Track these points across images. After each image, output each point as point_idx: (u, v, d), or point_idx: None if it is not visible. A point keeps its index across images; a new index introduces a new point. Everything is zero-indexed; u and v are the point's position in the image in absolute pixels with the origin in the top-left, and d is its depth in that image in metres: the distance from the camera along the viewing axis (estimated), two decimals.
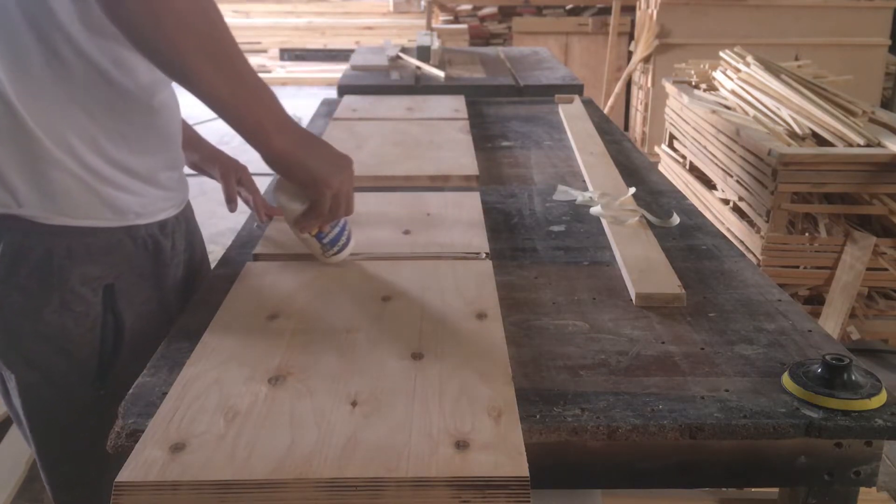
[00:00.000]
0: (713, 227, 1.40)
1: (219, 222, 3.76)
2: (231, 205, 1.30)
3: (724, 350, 0.96)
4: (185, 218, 1.17)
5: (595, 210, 1.44)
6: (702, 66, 3.55)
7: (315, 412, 0.77)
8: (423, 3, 7.82)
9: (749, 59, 3.16)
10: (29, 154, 0.95)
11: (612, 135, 2.06)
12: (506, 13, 6.75)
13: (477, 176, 1.61)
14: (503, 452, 0.70)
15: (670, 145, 3.72)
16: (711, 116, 3.03)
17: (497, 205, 1.50)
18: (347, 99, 2.34)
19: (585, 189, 1.58)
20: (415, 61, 3.01)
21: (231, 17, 8.54)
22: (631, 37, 5.46)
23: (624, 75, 5.09)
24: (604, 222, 1.38)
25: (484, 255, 1.18)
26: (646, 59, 4.76)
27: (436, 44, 3.14)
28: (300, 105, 5.77)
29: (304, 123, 1.61)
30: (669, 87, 3.63)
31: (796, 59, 4.08)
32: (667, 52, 4.63)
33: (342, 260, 1.13)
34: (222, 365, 0.86)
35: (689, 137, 3.36)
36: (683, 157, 3.51)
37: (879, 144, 2.54)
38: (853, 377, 0.84)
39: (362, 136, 1.88)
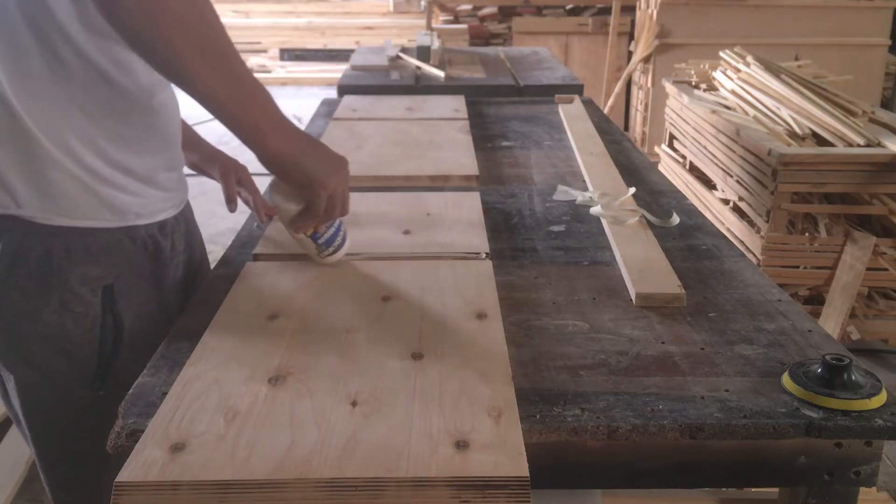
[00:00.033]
0: (713, 227, 1.40)
1: (219, 222, 3.76)
2: (231, 205, 1.30)
3: (724, 350, 0.96)
4: (185, 218, 1.17)
5: (595, 210, 1.43)
6: (702, 66, 3.54)
7: (315, 412, 0.77)
8: (423, 3, 7.82)
9: (749, 59, 3.16)
10: (28, 154, 0.95)
11: (612, 135, 2.06)
12: (506, 13, 6.76)
13: (477, 176, 1.61)
14: (503, 452, 0.70)
15: (670, 145, 3.72)
16: (711, 116, 3.03)
17: (497, 205, 1.50)
18: (347, 99, 2.34)
19: (585, 189, 1.58)
20: (415, 61, 3.01)
21: (231, 17, 8.55)
22: (631, 37, 5.46)
23: (624, 75, 5.09)
24: (604, 222, 1.37)
25: (484, 255, 1.18)
26: (646, 59, 4.76)
27: (436, 44, 3.14)
28: (300, 105, 5.75)
29: (304, 123, 1.61)
30: (669, 87, 3.63)
31: (796, 59, 4.08)
32: (667, 52, 4.63)
33: (337, 260, 1.13)
34: (222, 365, 0.86)
35: (689, 137, 3.36)
36: (683, 157, 3.51)
37: (879, 144, 2.54)
38: (853, 377, 0.84)
39: (362, 136, 1.88)
